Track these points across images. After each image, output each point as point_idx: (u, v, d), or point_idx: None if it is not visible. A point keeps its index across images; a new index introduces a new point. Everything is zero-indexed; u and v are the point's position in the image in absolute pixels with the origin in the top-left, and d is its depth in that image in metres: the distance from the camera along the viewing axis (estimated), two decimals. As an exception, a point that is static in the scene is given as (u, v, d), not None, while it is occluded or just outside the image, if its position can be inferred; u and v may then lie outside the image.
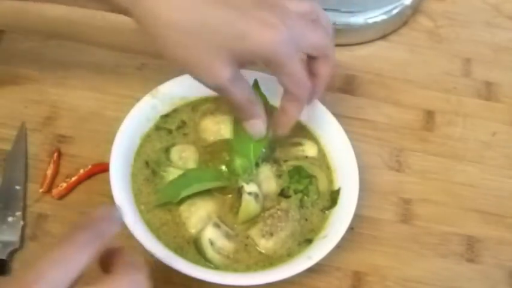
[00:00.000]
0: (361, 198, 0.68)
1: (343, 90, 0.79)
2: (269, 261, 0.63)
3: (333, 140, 0.70)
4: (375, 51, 0.83)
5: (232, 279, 0.61)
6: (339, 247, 0.65)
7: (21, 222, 0.65)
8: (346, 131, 0.70)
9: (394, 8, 0.82)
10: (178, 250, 0.62)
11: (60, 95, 0.74)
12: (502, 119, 0.79)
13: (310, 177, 0.68)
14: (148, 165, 0.67)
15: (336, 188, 0.67)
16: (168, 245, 0.62)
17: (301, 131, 0.71)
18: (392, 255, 0.68)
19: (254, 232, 0.64)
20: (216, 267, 0.62)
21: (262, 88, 0.67)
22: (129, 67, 0.77)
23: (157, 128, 0.69)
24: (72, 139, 0.71)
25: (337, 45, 0.81)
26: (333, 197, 0.67)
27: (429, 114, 0.78)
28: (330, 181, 0.68)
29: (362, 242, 0.68)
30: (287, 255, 0.63)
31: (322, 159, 0.70)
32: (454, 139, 0.77)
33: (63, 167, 0.69)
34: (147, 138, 0.69)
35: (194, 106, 0.71)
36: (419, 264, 0.68)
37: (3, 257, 0.62)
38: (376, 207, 0.71)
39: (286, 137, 0.70)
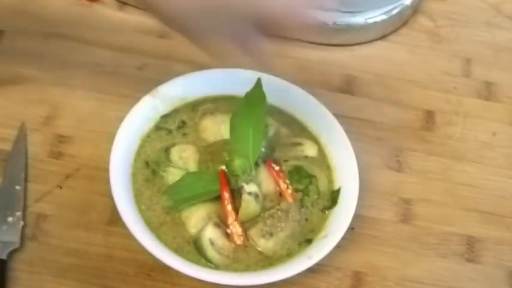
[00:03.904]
0: (361, 198, 0.68)
1: (343, 90, 0.79)
2: (269, 261, 0.63)
3: (333, 140, 0.70)
4: (375, 51, 0.83)
5: (232, 279, 0.61)
6: (339, 247, 0.65)
7: (21, 222, 0.65)
8: (346, 131, 0.70)
9: (394, 8, 0.82)
10: (178, 250, 0.62)
11: (60, 95, 0.74)
12: (502, 119, 0.79)
13: (310, 177, 0.68)
14: (149, 165, 0.67)
15: (336, 188, 0.67)
16: (168, 245, 0.62)
17: (301, 131, 0.71)
18: (392, 255, 0.68)
19: (254, 232, 0.64)
20: (216, 267, 0.62)
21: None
22: (129, 67, 0.77)
23: (157, 128, 0.70)
24: (72, 139, 0.71)
25: (337, 45, 0.82)
26: (333, 197, 0.67)
27: (429, 114, 0.78)
28: (330, 181, 0.68)
29: (362, 242, 0.68)
30: (287, 255, 0.64)
31: (322, 159, 0.70)
32: (454, 139, 0.77)
33: (63, 167, 0.69)
34: (147, 139, 0.69)
35: (194, 106, 0.71)
36: (419, 264, 0.68)
37: (3, 257, 0.62)
38: (376, 207, 0.71)
39: (286, 136, 0.70)
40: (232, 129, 0.66)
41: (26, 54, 0.77)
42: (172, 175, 0.66)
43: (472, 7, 0.88)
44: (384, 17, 0.82)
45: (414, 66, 0.82)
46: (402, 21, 0.85)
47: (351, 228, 0.68)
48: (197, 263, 0.62)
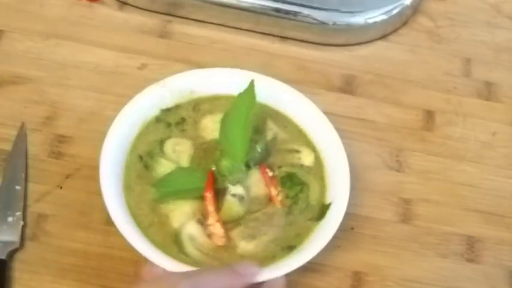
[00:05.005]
0: (361, 198, 0.68)
1: (343, 90, 0.79)
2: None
3: (330, 153, 0.68)
4: (375, 51, 0.83)
5: None
6: (339, 247, 0.65)
7: (21, 222, 0.65)
8: (346, 131, 0.70)
9: (394, 8, 0.82)
10: (161, 246, 0.62)
11: (60, 95, 0.74)
12: (502, 119, 0.79)
13: (302, 184, 0.67)
14: (142, 159, 0.67)
15: (327, 200, 0.66)
16: (154, 241, 0.62)
17: (300, 138, 0.70)
18: (392, 255, 0.68)
19: (235, 234, 0.63)
20: (196, 262, 0.61)
21: (258, 89, 0.67)
22: (129, 67, 0.77)
23: (157, 119, 0.69)
24: (72, 139, 0.71)
25: (337, 45, 0.82)
26: (323, 210, 0.65)
27: (429, 114, 0.78)
28: (322, 192, 0.67)
29: (362, 242, 0.68)
30: (271, 257, 0.62)
31: (317, 169, 0.68)
32: (454, 139, 0.77)
33: (63, 167, 0.69)
34: (145, 130, 0.68)
35: (195, 105, 0.71)
36: (419, 264, 0.68)
37: (3, 257, 0.62)
38: (376, 207, 0.71)
39: (284, 142, 0.69)
40: (222, 129, 0.66)
41: (26, 54, 0.77)
42: (164, 167, 0.66)
43: (472, 7, 0.88)
44: (384, 17, 0.82)
45: (414, 66, 0.82)
46: (402, 21, 0.85)
47: (351, 228, 0.68)
48: (182, 260, 0.61)
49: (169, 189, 0.64)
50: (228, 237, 0.63)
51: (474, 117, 0.79)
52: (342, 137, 0.72)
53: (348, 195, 0.64)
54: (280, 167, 0.68)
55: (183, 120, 0.70)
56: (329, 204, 0.65)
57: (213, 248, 0.63)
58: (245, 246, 0.63)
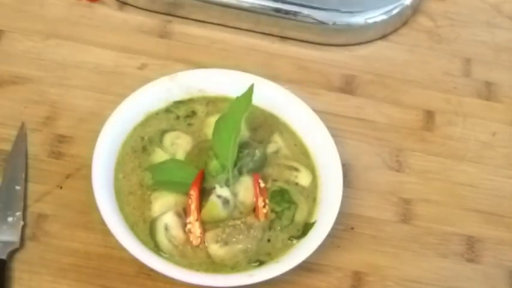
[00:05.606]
0: (361, 198, 0.67)
1: (343, 90, 0.79)
2: (213, 266, 0.62)
3: (329, 178, 0.67)
4: (375, 51, 0.83)
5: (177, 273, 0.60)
6: (339, 247, 0.65)
7: (21, 222, 0.65)
8: (346, 131, 0.70)
9: (394, 8, 0.82)
10: (134, 226, 0.63)
11: (60, 95, 0.74)
12: (502, 119, 0.79)
13: (291, 203, 0.66)
14: (143, 140, 0.68)
15: (312, 220, 0.65)
16: (127, 217, 0.63)
17: (303, 157, 0.69)
18: (392, 255, 0.68)
19: (210, 235, 0.63)
20: (161, 251, 0.62)
21: (259, 92, 0.67)
22: (129, 67, 0.77)
23: (168, 110, 0.70)
24: (72, 139, 0.71)
25: (337, 45, 0.82)
26: (305, 229, 0.65)
27: (429, 114, 0.78)
28: (310, 213, 0.66)
29: (362, 242, 0.68)
30: (231, 268, 0.62)
31: (312, 190, 0.67)
32: (454, 139, 0.77)
33: (63, 167, 0.69)
34: (152, 118, 0.70)
35: (209, 102, 0.72)
36: (419, 264, 0.68)
37: (3, 257, 0.62)
38: (376, 207, 0.71)
39: (286, 158, 0.69)
40: (216, 130, 0.66)
41: (26, 54, 0.77)
42: (159, 157, 0.67)
43: (472, 7, 0.88)
44: (384, 17, 0.82)
45: (414, 66, 0.82)
46: (402, 21, 0.85)
47: (351, 228, 0.68)
48: (147, 244, 0.62)
49: (164, 178, 0.65)
50: (203, 237, 0.63)
51: (474, 117, 0.79)
52: (341, 137, 0.73)
53: (334, 219, 0.64)
54: (275, 180, 0.68)
55: (194, 113, 0.71)
56: (313, 223, 0.65)
57: (183, 243, 0.63)
58: (216, 249, 0.63)
